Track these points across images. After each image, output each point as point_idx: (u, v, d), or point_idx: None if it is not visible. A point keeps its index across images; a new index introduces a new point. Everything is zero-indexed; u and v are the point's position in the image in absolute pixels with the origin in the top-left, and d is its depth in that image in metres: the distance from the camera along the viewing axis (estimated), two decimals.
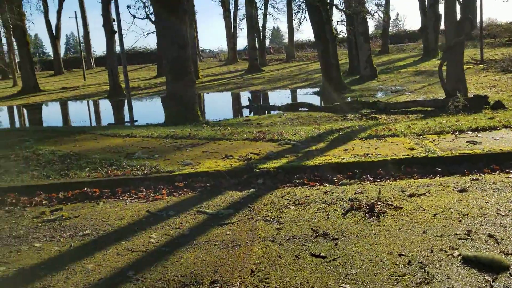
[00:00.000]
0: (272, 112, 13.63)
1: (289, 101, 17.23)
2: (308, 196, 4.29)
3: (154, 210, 4.28)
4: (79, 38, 43.20)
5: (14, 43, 31.91)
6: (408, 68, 25.03)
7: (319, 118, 11.02)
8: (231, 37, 42.53)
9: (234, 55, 43.24)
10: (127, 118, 15.29)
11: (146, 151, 6.55)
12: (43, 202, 4.80)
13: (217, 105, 19.15)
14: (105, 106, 21.21)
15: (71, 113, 19.18)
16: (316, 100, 17.00)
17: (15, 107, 22.81)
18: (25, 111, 21.15)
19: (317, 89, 20.88)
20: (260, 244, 3.33)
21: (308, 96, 18.88)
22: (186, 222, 3.90)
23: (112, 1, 24.16)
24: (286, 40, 59.06)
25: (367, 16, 19.72)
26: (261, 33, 37.74)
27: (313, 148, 5.92)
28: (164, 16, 10.80)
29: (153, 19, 33.85)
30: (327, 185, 4.63)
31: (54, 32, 44.04)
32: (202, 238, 3.52)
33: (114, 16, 23.17)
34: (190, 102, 11.20)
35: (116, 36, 22.49)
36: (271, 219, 3.80)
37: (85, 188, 4.99)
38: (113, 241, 3.61)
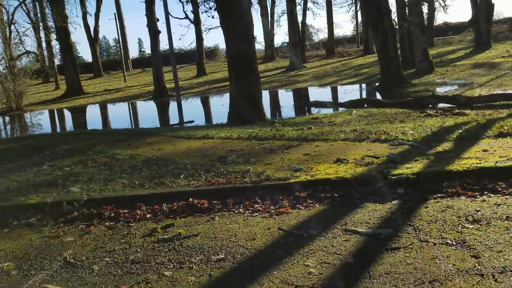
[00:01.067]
0: (335, 110, 12.80)
1: (345, 97, 16.34)
2: (479, 211, 3.48)
3: (286, 228, 3.57)
4: (119, 39, 43.39)
5: (55, 46, 32.16)
6: (462, 61, 23.63)
7: (397, 115, 10.11)
8: (268, 35, 41.79)
9: (272, 53, 42.50)
10: (172, 119, 14.80)
11: (238, 155, 5.87)
12: (147, 216, 4.18)
13: (269, 103, 18.40)
14: (153, 107, 20.86)
15: (122, 115, 18.88)
16: (375, 96, 16.03)
17: (65, 110, 22.82)
18: (76, 113, 21.07)
19: (370, 85, 19.88)
20: (467, 279, 2.55)
21: (364, 91, 17.93)
22: (339, 245, 3.16)
23: (157, 1, 23.89)
24: (316, 37, 58.03)
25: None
26: (300, 30, 36.82)
27: (440, 149, 5.09)
28: (228, 8, 10.16)
29: (191, 18, 33.55)
30: (491, 195, 3.80)
31: (92, 34, 44.48)
32: (379, 269, 2.77)
33: (158, 16, 22.85)
34: (255, 100, 10.53)
35: (161, 36, 22.18)
36: (454, 243, 3.01)
37: (191, 199, 4.34)
38: (260, 270, 2.91)
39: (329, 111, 12.59)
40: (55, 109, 23.32)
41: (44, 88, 37.33)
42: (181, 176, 5.07)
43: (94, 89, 31.59)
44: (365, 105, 12.76)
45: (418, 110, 10.51)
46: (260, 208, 4.09)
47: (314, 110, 13.91)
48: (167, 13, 17.45)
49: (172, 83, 25.73)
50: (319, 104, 14.12)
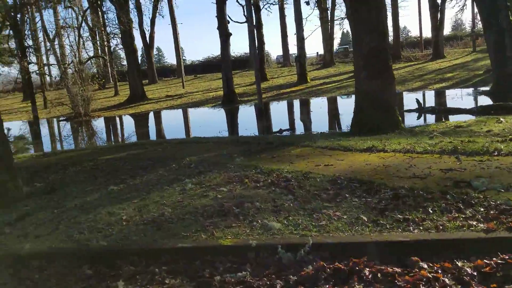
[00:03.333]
0: (477, 117, 10.90)
1: (453, 103, 14.43)
2: None
3: None
4: (177, 45, 42.89)
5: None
6: None
7: None
8: (328, 39, 40.08)
9: (331, 58, 40.73)
10: (251, 127, 13.35)
11: (476, 177, 4.22)
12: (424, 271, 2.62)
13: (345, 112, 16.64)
14: (229, 113, 19.57)
15: (202, 121, 17.67)
16: (487, 101, 14.00)
17: (137, 116, 21.98)
18: (148, 119, 20.15)
19: (468, 89, 17.83)
20: None
21: (470, 97, 15.91)
22: None
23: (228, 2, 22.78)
24: None
25: None
26: None
27: None
28: None
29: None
30: None
31: (148, 41, 44.25)
32: None
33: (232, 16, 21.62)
34: (390, 104, 8.88)
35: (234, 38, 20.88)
36: None
37: None
38: None
39: (458, 118, 10.73)
40: (122, 115, 22.57)
41: (103, 94, 37.13)
42: (430, 210, 3.49)
43: (154, 95, 30.87)
44: (495, 111, 10.84)
45: None
46: None
47: (429, 117, 12.11)
48: (249, 9, 16.17)
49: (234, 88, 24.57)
50: (437, 111, 12.28)
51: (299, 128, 12.41)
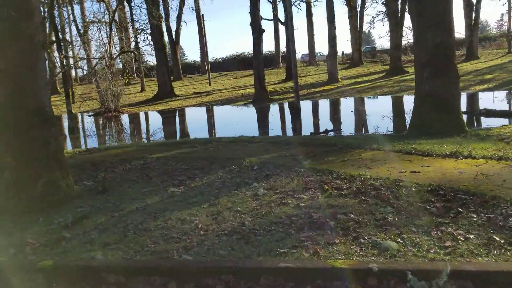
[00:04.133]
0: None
1: (495, 106, 13.64)
2: None
3: None
4: (205, 42, 42.63)
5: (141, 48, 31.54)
6: None
7: None
8: (357, 38, 39.20)
9: (359, 57, 39.86)
10: (303, 126, 12.80)
11: None
12: None
13: (400, 111, 15.94)
14: (263, 111, 19.08)
15: (237, 119, 17.22)
16: None
17: (167, 112, 21.70)
18: (183, 116, 19.81)
19: None
20: None
21: None
22: None
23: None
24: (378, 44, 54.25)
25: None
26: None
27: None
28: None
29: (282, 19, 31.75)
30: None
31: (174, 37, 44.08)
32: None
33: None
34: (454, 106, 8.25)
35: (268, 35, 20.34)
36: None
37: None
38: None
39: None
40: (152, 111, 22.29)
41: (129, 90, 37.06)
42: None
43: (181, 92, 30.58)
44: None
45: None
46: None
47: (483, 120, 11.40)
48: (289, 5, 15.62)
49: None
50: (493, 113, 11.55)
51: (346, 128, 11.78)
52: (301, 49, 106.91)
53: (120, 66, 29.14)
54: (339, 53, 61.27)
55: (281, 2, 30.71)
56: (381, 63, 39.79)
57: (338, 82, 26.90)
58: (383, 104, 17.86)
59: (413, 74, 27.65)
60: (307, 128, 12.64)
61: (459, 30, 42.70)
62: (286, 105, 19.90)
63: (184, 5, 45.32)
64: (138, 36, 32.05)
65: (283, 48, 51.96)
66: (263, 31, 21.68)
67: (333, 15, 27.15)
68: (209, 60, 63.86)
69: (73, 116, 20.88)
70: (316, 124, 13.33)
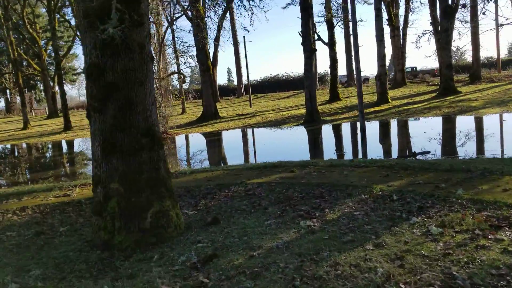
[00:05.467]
0: None
1: None
2: None
3: None
4: (238, 65, 42.48)
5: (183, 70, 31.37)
6: None
7: None
8: (400, 58, 38.15)
9: (403, 77, 38.67)
10: (373, 148, 11.82)
11: None
12: None
13: (469, 134, 14.79)
14: (322, 133, 18.25)
15: (303, 142, 16.43)
16: None
17: (207, 134, 21.14)
18: (234, 138, 19.17)
19: None
20: None
21: None
22: None
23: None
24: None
25: None
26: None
27: None
28: None
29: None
30: None
31: (211, 60, 44.13)
32: None
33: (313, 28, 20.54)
34: None
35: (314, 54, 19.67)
36: None
37: None
38: None
39: None
40: (201, 133, 21.78)
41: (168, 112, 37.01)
42: None
43: (223, 114, 30.15)
44: None
45: None
46: None
47: None
48: (354, 21, 14.94)
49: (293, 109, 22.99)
50: None
51: (428, 150, 10.77)
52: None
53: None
54: (371, 75, 60.25)
55: (324, 23, 30.10)
56: (425, 83, 38.55)
57: (388, 103, 25.88)
58: (453, 125, 16.73)
59: (468, 94, 26.47)
60: (375, 151, 11.68)
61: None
62: (343, 127, 19.02)
63: (222, 29, 45.47)
64: (180, 58, 32.04)
65: (319, 69, 51.46)
66: (315, 50, 21.08)
67: (383, 33, 26.36)
68: (244, 83, 64.03)
69: None
70: (388, 146, 12.36)
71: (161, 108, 20.59)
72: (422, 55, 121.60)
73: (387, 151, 11.48)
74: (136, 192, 4.58)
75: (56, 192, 7.12)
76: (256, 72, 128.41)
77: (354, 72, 16.48)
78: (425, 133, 13.75)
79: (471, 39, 35.49)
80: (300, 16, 20.94)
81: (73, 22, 38.03)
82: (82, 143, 22.90)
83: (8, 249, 4.75)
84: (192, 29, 25.80)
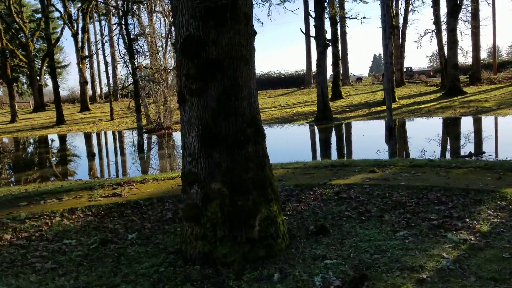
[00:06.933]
0: None
1: None
2: None
3: None
4: None
5: None
6: None
7: None
8: (399, 57, 37.82)
9: (402, 78, 38.39)
10: (415, 148, 11.17)
11: None
12: None
13: (506, 134, 14.28)
14: (338, 131, 17.56)
15: (323, 141, 15.70)
16: None
17: None
18: None
19: None
20: None
21: None
22: None
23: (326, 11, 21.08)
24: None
25: None
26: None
27: None
28: None
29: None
30: None
31: None
32: None
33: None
34: None
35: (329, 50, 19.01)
36: None
37: None
38: None
39: None
40: None
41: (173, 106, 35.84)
42: None
43: None
44: None
45: None
46: None
47: None
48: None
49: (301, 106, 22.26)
50: None
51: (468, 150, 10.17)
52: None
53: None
54: (365, 75, 60.03)
55: (327, 19, 29.42)
56: (424, 84, 38.41)
57: (396, 101, 25.38)
58: (479, 125, 16.26)
59: (475, 95, 26.19)
60: (414, 150, 11.02)
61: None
62: (359, 125, 18.39)
63: None
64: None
65: (314, 67, 50.86)
66: (328, 45, 20.38)
67: (391, 31, 25.83)
68: None
69: (143, 134, 19.43)
70: (416, 146, 11.71)
71: (168, 102, 19.61)
72: (417, 55, 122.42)
73: (432, 150, 10.79)
74: (242, 194, 3.75)
75: (99, 191, 6.19)
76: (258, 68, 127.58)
77: (383, 67, 15.82)
78: (449, 133, 13.18)
79: (472, 40, 35.41)
80: (313, 10, 20.25)
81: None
82: (81, 138, 21.69)
83: (77, 263, 3.86)
84: None
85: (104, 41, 23.32)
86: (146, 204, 5.35)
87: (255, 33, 4.10)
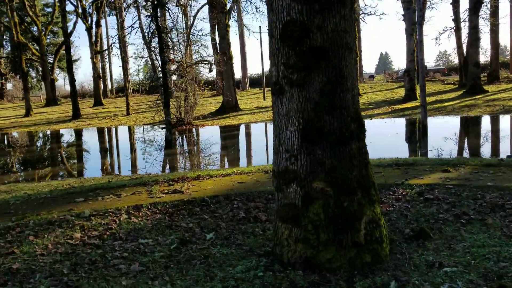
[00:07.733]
0: None
1: None
2: None
3: None
4: (244, 58, 41.08)
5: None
6: None
7: None
8: (410, 54, 37.29)
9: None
10: (435, 148, 10.84)
11: None
12: None
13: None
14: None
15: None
16: None
17: (236, 126, 19.96)
18: (265, 132, 17.98)
19: None
20: None
21: None
22: None
23: None
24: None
25: None
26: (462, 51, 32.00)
27: None
28: None
29: None
30: None
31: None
32: None
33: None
34: None
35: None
36: None
37: None
38: None
39: None
40: (227, 125, 20.57)
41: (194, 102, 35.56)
42: None
43: (242, 106, 28.90)
44: None
45: None
46: None
47: None
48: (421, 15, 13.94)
49: None
50: None
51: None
52: None
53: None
54: (374, 73, 59.41)
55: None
56: (440, 82, 37.90)
57: (417, 99, 24.99)
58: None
59: (497, 94, 25.74)
60: (452, 149, 10.68)
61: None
62: (388, 122, 18.04)
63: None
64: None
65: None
66: None
67: (414, 27, 25.41)
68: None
69: (171, 130, 19.21)
70: (470, 146, 11.39)
71: (190, 97, 19.34)
72: (433, 53, 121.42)
73: (474, 150, 10.47)
74: (347, 195, 3.45)
75: (156, 187, 5.92)
76: (256, 67, 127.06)
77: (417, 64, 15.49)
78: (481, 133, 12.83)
79: (490, 37, 34.87)
80: None
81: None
82: (103, 133, 21.47)
83: (163, 264, 3.58)
84: (209, 18, 24.44)
85: (122, 35, 22.95)
86: (213, 202, 5.07)
87: (356, 19, 3.80)
